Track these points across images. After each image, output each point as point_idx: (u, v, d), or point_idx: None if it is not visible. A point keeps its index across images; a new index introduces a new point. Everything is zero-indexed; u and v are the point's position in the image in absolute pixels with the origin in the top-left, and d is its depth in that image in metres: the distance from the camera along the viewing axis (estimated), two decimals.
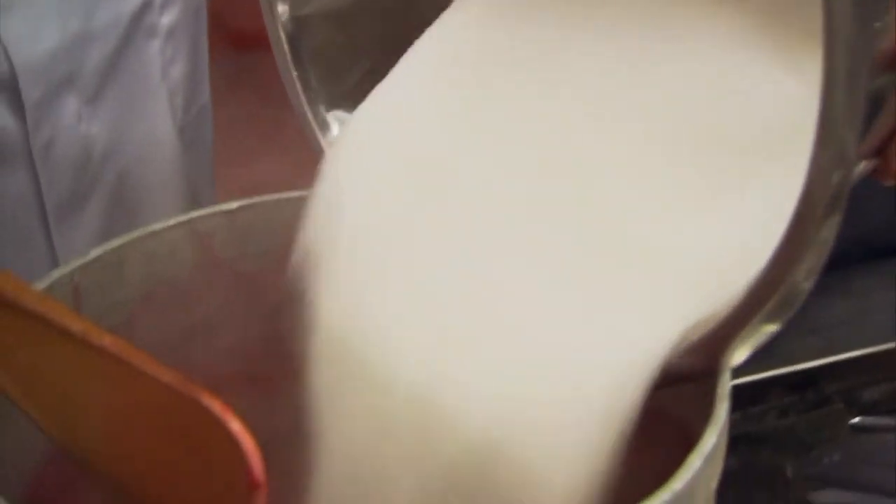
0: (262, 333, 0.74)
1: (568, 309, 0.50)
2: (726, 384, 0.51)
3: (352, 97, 0.66)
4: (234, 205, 0.71)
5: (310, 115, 0.65)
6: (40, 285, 0.65)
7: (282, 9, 0.62)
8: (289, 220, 0.72)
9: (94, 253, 0.67)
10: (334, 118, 0.65)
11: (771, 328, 0.47)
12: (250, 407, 0.73)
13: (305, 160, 0.68)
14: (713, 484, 0.52)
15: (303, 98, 0.65)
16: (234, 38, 1.61)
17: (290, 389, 0.75)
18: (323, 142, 0.66)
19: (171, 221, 0.70)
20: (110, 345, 0.55)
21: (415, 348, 0.54)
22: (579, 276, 0.51)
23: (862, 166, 0.48)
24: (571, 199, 0.51)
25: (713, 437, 0.51)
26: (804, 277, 0.44)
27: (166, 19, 0.96)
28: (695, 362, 0.50)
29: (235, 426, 0.51)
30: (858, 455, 0.88)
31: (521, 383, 0.50)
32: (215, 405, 0.52)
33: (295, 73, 0.64)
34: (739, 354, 0.49)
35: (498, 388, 0.51)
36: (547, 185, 0.52)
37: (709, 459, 0.51)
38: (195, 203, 1.03)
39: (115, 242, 0.68)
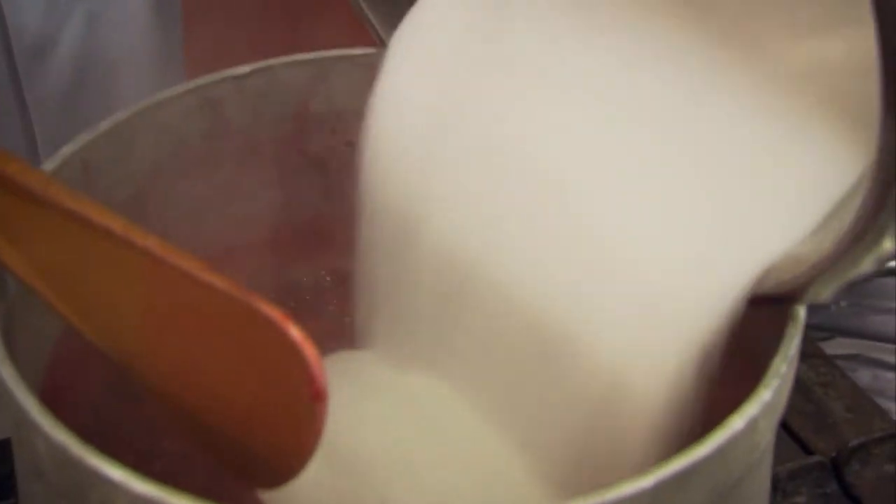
0: (275, 201, 0.71)
1: (665, 235, 0.49)
2: (803, 309, 0.50)
3: None
4: (245, 69, 0.67)
5: None
6: (50, 165, 0.61)
7: None
8: (303, 85, 0.69)
9: (103, 126, 0.63)
10: None
11: (861, 269, 0.45)
12: (263, 275, 0.72)
13: None
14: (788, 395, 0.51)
15: None
16: None
17: (306, 257, 0.73)
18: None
19: (180, 89, 0.66)
20: (156, 247, 0.51)
21: (533, 273, 0.52)
22: (676, 204, 0.49)
23: None
24: (671, 124, 0.49)
25: (796, 339, 0.50)
26: None
27: None
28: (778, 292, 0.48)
29: (296, 334, 0.49)
30: (865, 301, 0.88)
31: (637, 310, 0.48)
32: (274, 312, 0.49)
33: None
34: (825, 292, 0.47)
35: (619, 317, 0.49)
36: (644, 104, 0.50)
37: (791, 364, 0.50)
38: (166, 39, 0.98)
39: (123, 114, 0.64)
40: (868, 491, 0.70)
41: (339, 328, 0.69)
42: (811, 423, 0.73)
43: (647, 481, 0.46)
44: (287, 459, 0.51)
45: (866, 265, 0.43)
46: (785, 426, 0.74)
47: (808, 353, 0.79)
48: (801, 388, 0.76)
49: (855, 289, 0.86)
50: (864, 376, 0.87)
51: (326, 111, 0.69)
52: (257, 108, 0.68)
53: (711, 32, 0.50)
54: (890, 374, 0.89)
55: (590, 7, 0.52)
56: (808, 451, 0.72)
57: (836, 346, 0.84)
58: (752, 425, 0.48)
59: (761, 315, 0.50)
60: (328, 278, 0.73)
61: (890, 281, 0.88)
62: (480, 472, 0.56)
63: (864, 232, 0.43)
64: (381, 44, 0.63)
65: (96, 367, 0.65)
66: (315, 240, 0.72)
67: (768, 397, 0.48)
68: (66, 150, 0.62)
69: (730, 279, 0.48)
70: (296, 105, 0.69)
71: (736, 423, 0.47)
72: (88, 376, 0.65)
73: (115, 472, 0.47)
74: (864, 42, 0.40)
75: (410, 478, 0.56)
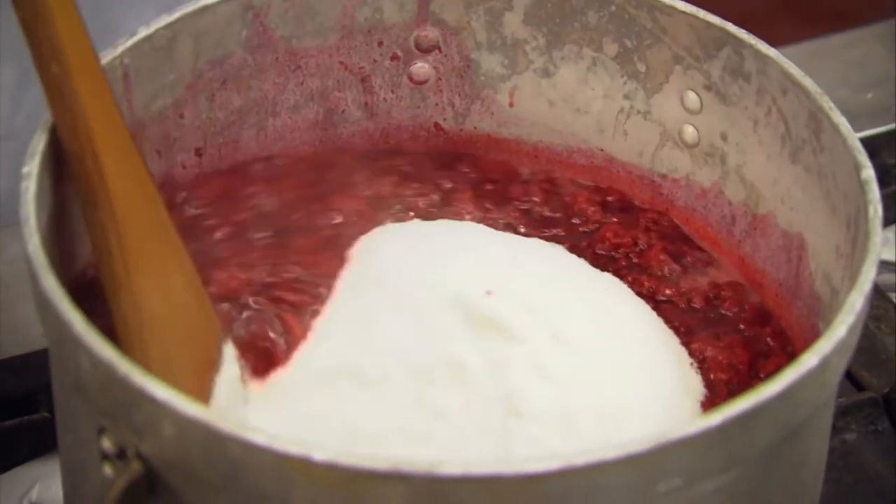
0: (314, 116, 0.69)
1: None
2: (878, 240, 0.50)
3: None
4: None
5: None
6: None
7: None
8: None
9: (143, 32, 0.61)
10: None
11: None
12: (298, 190, 0.70)
13: None
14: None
15: None
16: None
17: (346, 176, 0.71)
18: None
19: None
20: None
21: None
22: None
23: None
24: None
25: (871, 274, 0.48)
26: None
27: None
28: None
29: None
30: None
31: None
32: None
33: None
34: None
35: None
36: None
37: (867, 300, 0.48)
38: None
39: (164, 20, 0.62)
40: None
41: None
42: (862, 358, 0.71)
43: (714, 420, 0.44)
44: None
45: None
46: None
47: None
48: None
49: None
50: None
51: (374, 22, 0.67)
52: (301, 17, 0.66)
53: None
54: None
55: None
56: (859, 387, 0.70)
57: (888, 279, 0.82)
58: (825, 363, 0.46)
59: None
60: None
61: None
62: None
63: None
64: None
65: None
66: (356, 158, 0.70)
67: (843, 333, 0.46)
68: (106, 55, 0.60)
69: None
70: (341, 15, 0.66)
71: (809, 360, 0.45)
72: None
73: (163, 392, 0.46)
74: None
75: None
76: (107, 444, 0.49)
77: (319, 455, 0.43)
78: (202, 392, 0.54)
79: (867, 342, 0.72)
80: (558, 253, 0.65)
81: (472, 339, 0.56)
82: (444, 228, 0.65)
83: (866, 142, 0.59)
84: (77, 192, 0.54)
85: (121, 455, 0.48)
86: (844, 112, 0.59)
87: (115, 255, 0.53)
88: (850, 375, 0.71)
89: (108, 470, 0.49)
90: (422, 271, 0.60)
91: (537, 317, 0.57)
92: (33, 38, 0.53)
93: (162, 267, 0.55)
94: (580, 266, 0.64)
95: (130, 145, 0.55)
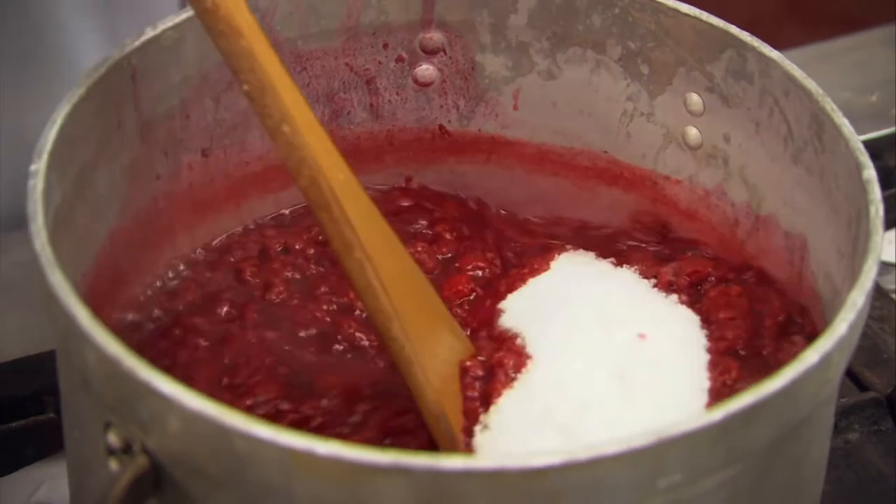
0: (319, 117, 0.68)
1: None
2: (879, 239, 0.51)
3: None
4: None
5: None
6: (96, 71, 0.59)
7: None
8: None
9: (151, 33, 0.62)
10: None
11: None
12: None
13: None
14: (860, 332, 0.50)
15: None
16: None
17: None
18: None
19: None
20: None
21: None
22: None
23: None
24: None
25: (872, 272, 0.48)
26: None
27: None
28: None
29: None
30: None
31: None
32: None
33: None
34: None
35: None
36: None
37: (868, 298, 0.48)
38: None
39: (171, 21, 0.62)
40: None
41: None
42: (865, 358, 0.71)
43: (715, 416, 0.45)
44: None
45: None
46: None
47: None
48: None
49: None
50: None
51: (379, 24, 0.67)
52: (306, 19, 0.66)
53: None
54: None
55: None
56: (862, 387, 0.71)
57: (890, 280, 0.82)
58: (826, 360, 0.46)
59: None
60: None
61: None
62: None
63: None
64: None
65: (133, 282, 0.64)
66: (362, 160, 0.70)
67: (844, 331, 0.47)
68: (113, 55, 0.60)
69: None
70: (346, 17, 0.67)
71: (810, 357, 0.46)
72: (126, 291, 0.64)
73: (168, 387, 0.46)
74: None
75: None
76: (113, 438, 0.49)
77: (323, 449, 0.44)
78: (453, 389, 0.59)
79: (870, 342, 0.72)
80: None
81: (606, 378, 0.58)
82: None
83: (869, 144, 0.59)
84: (328, 238, 0.58)
85: (126, 450, 0.49)
86: (847, 115, 0.59)
87: (378, 289, 0.57)
88: (853, 376, 0.71)
89: (113, 465, 0.50)
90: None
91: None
92: (262, 107, 0.57)
93: (414, 294, 0.60)
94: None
95: (359, 186, 0.58)
